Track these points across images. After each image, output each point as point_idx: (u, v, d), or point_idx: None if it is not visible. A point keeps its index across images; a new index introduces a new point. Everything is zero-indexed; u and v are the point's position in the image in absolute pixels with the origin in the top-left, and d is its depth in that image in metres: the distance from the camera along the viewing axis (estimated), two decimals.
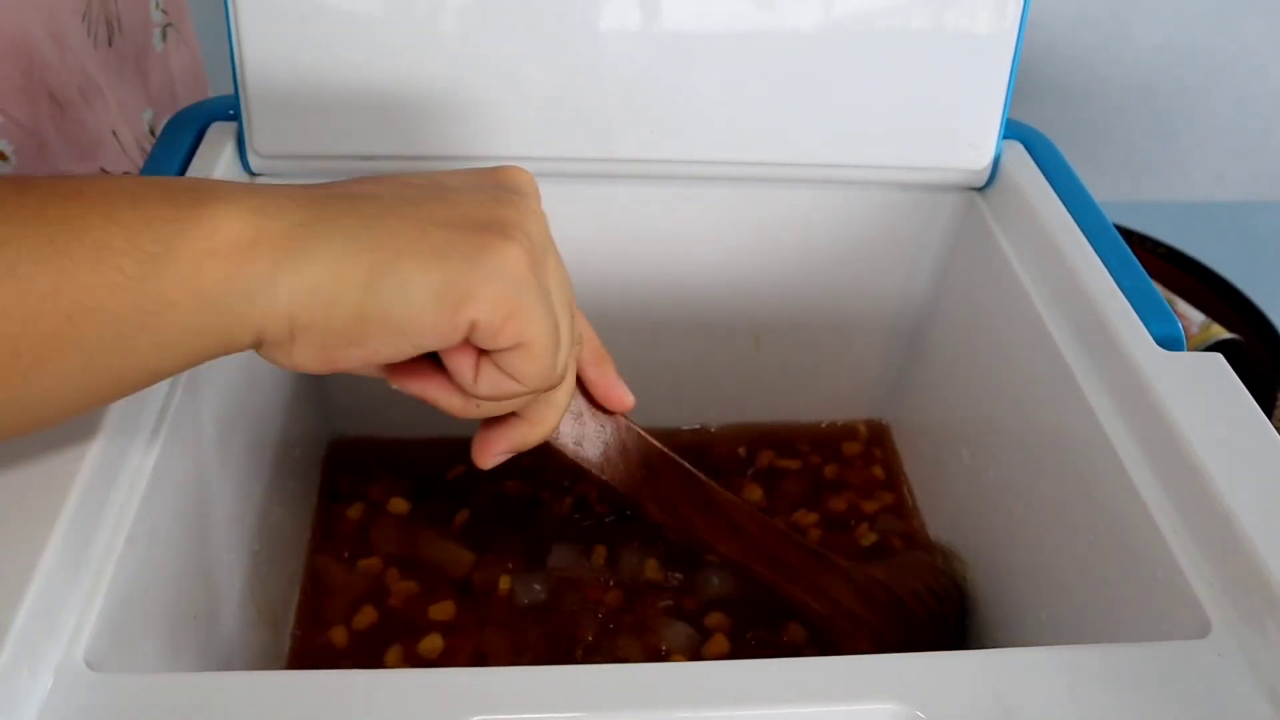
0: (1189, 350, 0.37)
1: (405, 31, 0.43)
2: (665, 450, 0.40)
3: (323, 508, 0.53)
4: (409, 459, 0.55)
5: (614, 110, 0.45)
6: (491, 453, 0.35)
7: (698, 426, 0.58)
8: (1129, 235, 0.73)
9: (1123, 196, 1.02)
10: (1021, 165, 0.47)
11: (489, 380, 0.31)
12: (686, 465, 0.41)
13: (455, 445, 0.56)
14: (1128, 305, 0.39)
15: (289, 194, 0.29)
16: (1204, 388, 0.35)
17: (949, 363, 0.52)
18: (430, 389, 0.32)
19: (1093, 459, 0.37)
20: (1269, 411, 0.61)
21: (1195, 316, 0.65)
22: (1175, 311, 0.45)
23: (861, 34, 0.44)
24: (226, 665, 0.40)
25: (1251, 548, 0.30)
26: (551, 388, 0.32)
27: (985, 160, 0.47)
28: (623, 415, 0.39)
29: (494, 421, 0.35)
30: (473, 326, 0.29)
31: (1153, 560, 0.33)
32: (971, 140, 0.47)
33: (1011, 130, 0.48)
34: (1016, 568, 0.43)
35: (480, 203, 0.30)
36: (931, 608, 0.46)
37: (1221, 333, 0.64)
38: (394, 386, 0.33)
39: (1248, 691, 0.28)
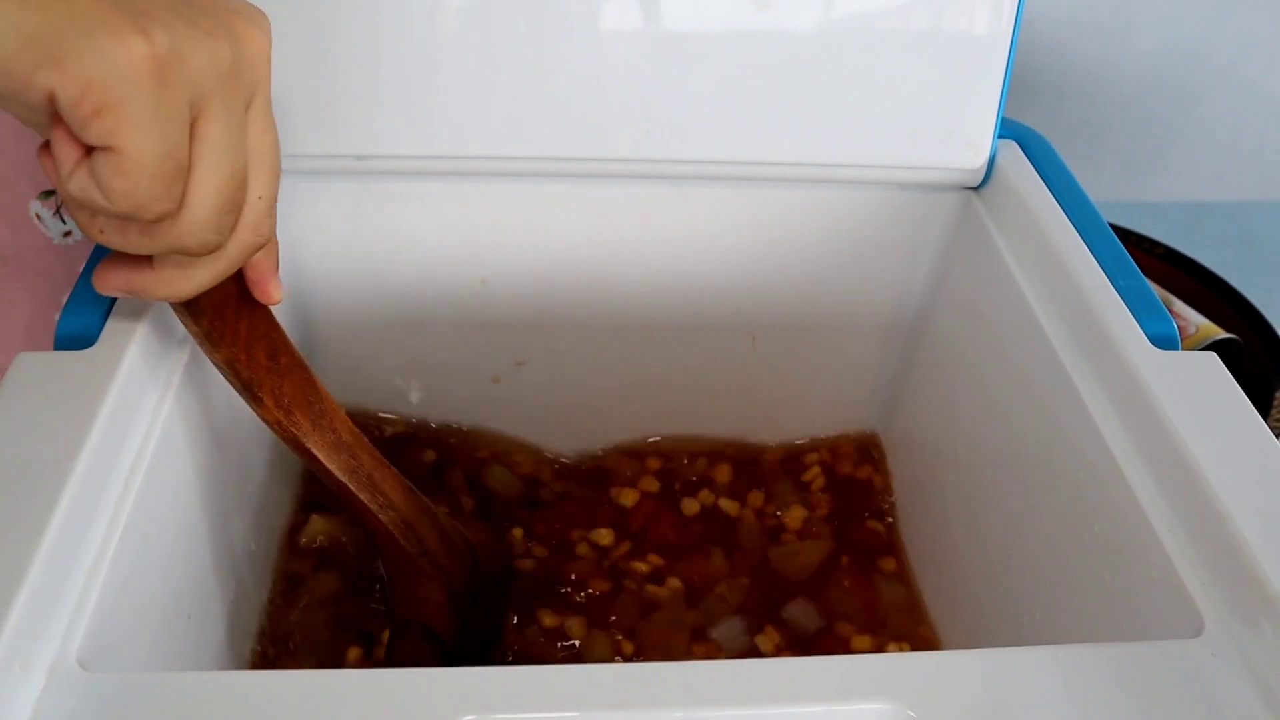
0: (1185, 349, 0.37)
1: (404, 31, 0.43)
2: (294, 349, 0.38)
3: (317, 507, 0.53)
4: (403, 458, 0.55)
5: (612, 110, 0.45)
6: (107, 281, 0.32)
7: (692, 429, 0.58)
8: (1126, 235, 0.73)
9: (1120, 196, 1.02)
10: (1017, 164, 0.47)
11: (78, 179, 0.27)
12: (310, 370, 0.39)
13: (454, 447, 0.56)
14: (1122, 304, 0.39)
15: None
16: (1198, 386, 0.35)
17: (944, 361, 0.52)
18: (45, 165, 0.29)
19: (1087, 457, 0.37)
20: (1266, 411, 0.61)
21: (1192, 316, 0.65)
22: (1172, 311, 0.45)
23: (857, 34, 0.44)
24: (219, 664, 0.40)
25: (1245, 547, 0.30)
26: (151, 222, 0.28)
27: (981, 160, 0.47)
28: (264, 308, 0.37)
29: (125, 256, 0.32)
30: (52, 99, 0.25)
31: (1146, 559, 0.33)
32: (967, 139, 0.47)
33: (1007, 130, 0.48)
34: (1011, 566, 0.43)
35: (165, 2, 0.27)
36: (501, 565, 0.48)
37: (1219, 332, 0.64)
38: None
39: (1242, 690, 0.28)
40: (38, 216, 0.56)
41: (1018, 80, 0.45)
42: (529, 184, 0.49)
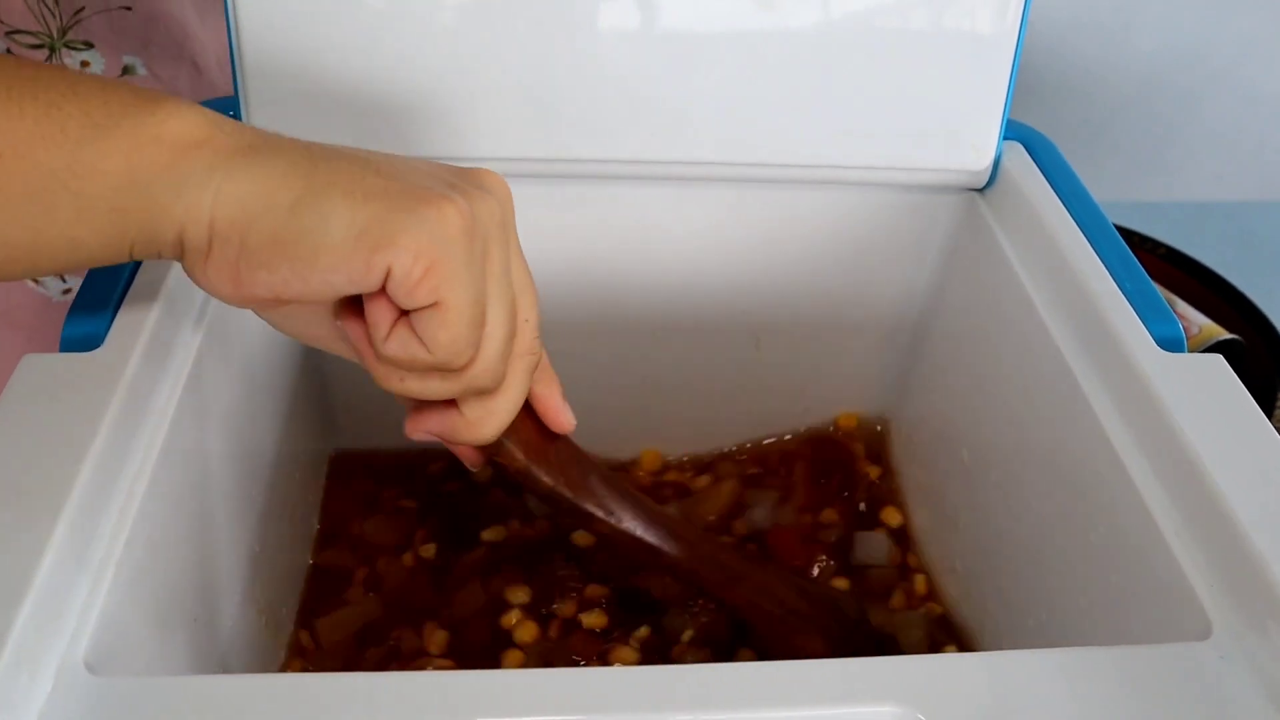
0: (1189, 351, 0.37)
1: (405, 31, 0.43)
2: (603, 467, 0.41)
3: (323, 511, 0.53)
4: (409, 465, 0.55)
5: (614, 111, 0.45)
6: (418, 426, 0.35)
7: (696, 431, 0.58)
8: (1129, 235, 0.73)
9: (1123, 196, 1.02)
10: (1022, 166, 0.47)
11: (399, 338, 0.30)
12: (626, 482, 0.42)
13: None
14: (1128, 306, 0.39)
15: (251, 125, 0.30)
16: (1205, 389, 0.35)
17: (949, 363, 0.52)
18: (353, 333, 0.32)
19: (1093, 460, 0.37)
20: (1270, 412, 0.61)
21: (1195, 317, 0.65)
22: (1175, 312, 0.45)
23: (862, 34, 0.44)
24: (226, 668, 0.40)
25: (1253, 549, 0.30)
26: (460, 368, 0.31)
27: (986, 161, 0.47)
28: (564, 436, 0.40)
29: (432, 403, 0.34)
30: (389, 274, 0.28)
31: (1153, 561, 0.33)
32: (972, 141, 0.47)
33: (1012, 131, 0.48)
34: (1017, 568, 0.43)
35: (432, 177, 0.31)
36: (857, 613, 0.47)
37: (1221, 333, 0.64)
38: (336, 322, 0.33)
39: (1249, 693, 0.28)
40: (34, 280, 0.57)
41: (1019, 81, 0.45)
42: (532, 185, 0.48)
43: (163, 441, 0.35)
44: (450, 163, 0.46)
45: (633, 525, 0.40)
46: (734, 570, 0.42)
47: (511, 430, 0.36)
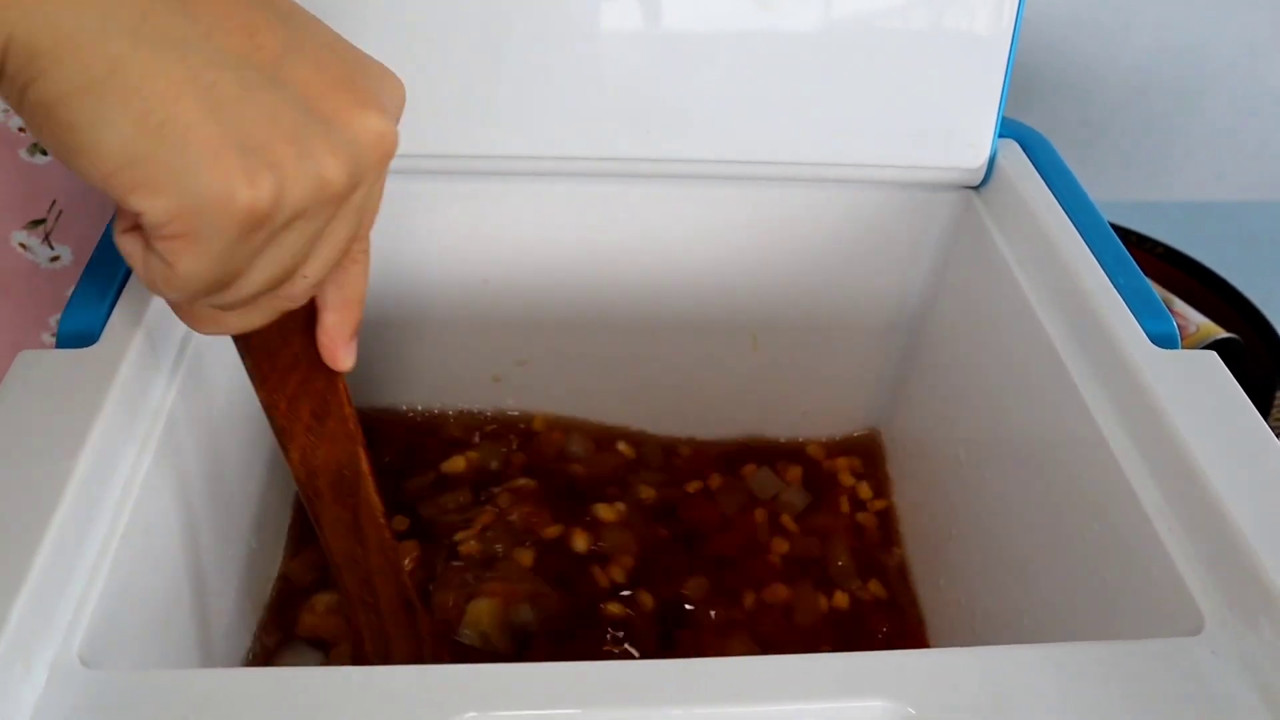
0: (1185, 349, 0.37)
1: (404, 32, 0.43)
2: (351, 420, 0.36)
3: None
4: (403, 456, 0.55)
5: (613, 109, 0.45)
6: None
7: (692, 429, 0.58)
8: (1127, 235, 0.73)
9: (1121, 196, 1.02)
10: (1017, 164, 0.47)
11: (136, 261, 0.27)
12: (361, 446, 0.37)
13: (452, 447, 0.56)
14: (1122, 303, 0.39)
15: None
16: (1198, 385, 0.35)
17: (945, 360, 0.52)
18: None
19: (1087, 456, 0.37)
20: (1267, 411, 0.61)
21: (1193, 316, 0.65)
22: (1173, 311, 0.45)
23: (858, 34, 0.44)
24: (220, 662, 0.40)
25: (1245, 545, 0.30)
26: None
27: (981, 159, 0.47)
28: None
29: None
30: (136, 213, 0.25)
31: (1146, 557, 0.33)
32: (967, 139, 0.47)
33: (1007, 129, 0.48)
34: (1010, 565, 0.43)
35: (293, 117, 0.26)
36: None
37: (1219, 332, 0.64)
38: None
39: (1241, 688, 0.28)
40: (22, 245, 0.57)
41: (1017, 80, 0.46)
42: (530, 183, 0.49)
43: (158, 437, 0.35)
44: (451, 161, 0.47)
45: (319, 487, 0.36)
46: (375, 599, 0.39)
47: (263, 335, 0.33)
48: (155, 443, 0.35)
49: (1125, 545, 0.35)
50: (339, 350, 0.33)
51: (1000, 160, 0.47)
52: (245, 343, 0.33)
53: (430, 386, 0.56)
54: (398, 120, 0.29)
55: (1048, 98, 0.99)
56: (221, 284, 0.27)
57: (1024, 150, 0.48)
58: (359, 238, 0.31)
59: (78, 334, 0.35)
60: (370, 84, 0.28)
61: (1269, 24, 0.99)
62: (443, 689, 0.27)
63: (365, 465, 0.37)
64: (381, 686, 0.27)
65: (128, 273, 0.38)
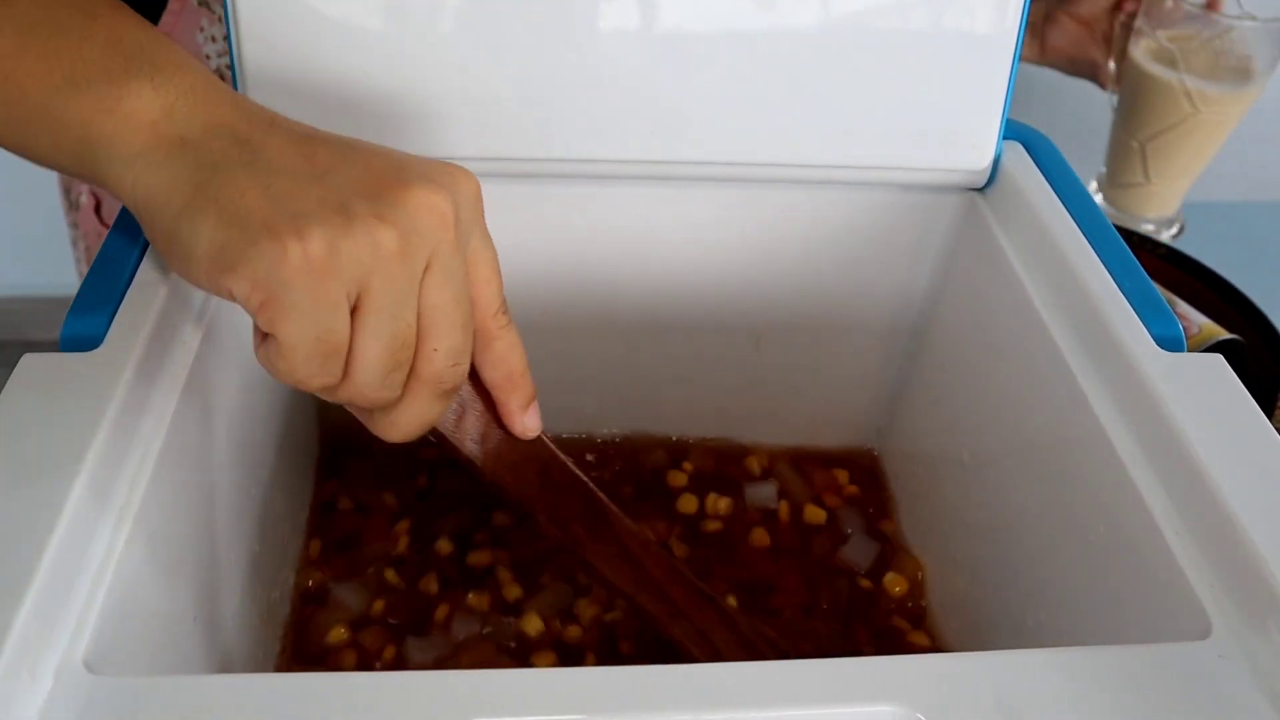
0: (1189, 351, 0.37)
1: (405, 33, 0.43)
2: (569, 465, 0.40)
3: (321, 510, 0.53)
4: (405, 462, 0.55)
5: (614, 111, 0.45)
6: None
7: (696, 430, 0.58)
8: (1129, 235, 0.73)
9: None
10: (1022, 165, 0.47)
11: (260, 355, 0.32)
12: (588, 483, 0.40)
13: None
14: (1128, 306, 0.39)
15: (211, 110, 0.32)
16: (1205, 389, 0.35)
17: (949, 362, 0.52)
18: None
19: (1093, 460, 0.37)
20: (1270, 412, 0.61)
21: (1195, 317, 0.65)
22: (1175, 312, 0.45)
23: (861, 34, 0.44)
24: (226, 667, 0.40)
25: (1253, 549, 0.30)
26: (327, 388, 0.32)
27: (985, 161, 0.47)
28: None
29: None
30: (233, 296, 0.30)
31: (1153, 561, 0.33)
32: (972, 140, 0.47)
33: (1011, 131, 0.48)
34: (1017, 569, 0.43)
35: (351, 190, 0.31)
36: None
37: (1222, 333, 0.64)
38: None
39: (1249, 693, 0.28)
40: None
41: (1019, 80, 0.45)
42: (532, 186, 0.49)
43: (162, 441, 0.35)
44: (454, 162, 0.46)
45: (575, 532, 0.39)
46: (676, 606, 0.41)
47: (458, 425, 0.36)
48: (159, 447, 0.35)
49: (1132, 549, 0.35)
50: (517, 423, 0.38)
51: (1004, 162, 0.47)
52: (458, 440, 0.37)
53: None
54: (470, 205, 0.33)
55: (1048, 99, 0.99)
56: (329, 351, 0.31)
57: (1028, 152, 0.48)
58: (490, 315, 0.35)
59: (81, 338, 0.35)
60: (421, 170, 0.32)
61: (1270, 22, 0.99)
62: (452, 695, 0.27)
63: (601, 496, 0.40)
64: (390, 692, 0.27)
65: (131, 276, 0.38)
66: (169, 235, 0.31)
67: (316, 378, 0.31)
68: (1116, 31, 0.78)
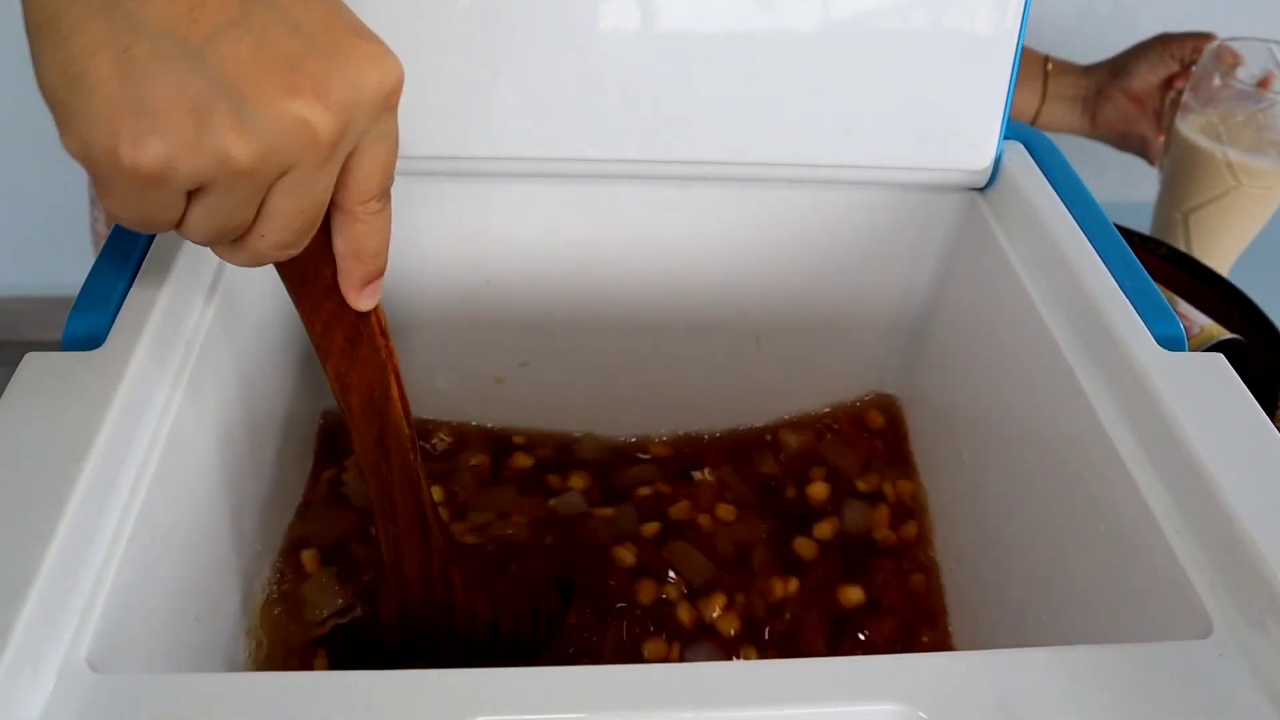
0: (1190, 350, 0.37)
1: (405, 33, 0.43)
2: (384, 346, 0.39)
3: (323, 508, 0.53)
4: None
5: (615, 111, 0.45)
6: None
7: (695, 427, 0.58)
8: (1130, 235, 0.73)
9: (1123, 196, 1.02)
10: (1022, 165, 0.47)
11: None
12: (392, 367, 0.39)
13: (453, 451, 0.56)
14: (1129, 305, 0.39)
15: None
16: (1206, 388, 0.35)
17: (949, 363, 0.52)
18: None
19: (1094, 459, 0.37)
20: (1271, 412, 0.61)
21: (1196, 317, 0.65)
22: (1177, 311, 0.45)
23: (862, 34, 0.44)
24: (228, 666, 0.40)
25: (1253, 547, 0.30)
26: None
27: (986, 160, 0.47)
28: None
29: None
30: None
31: (1154, 560, 0.33)
32: (972, 140, 0.47)
33: (1012, 130, 0.48)
34: (1017, 568, 0.43)
35: (200, 89, 0.27)
36: (477, 635, 0.45)
37: (1223, 333, 0.64)
38: None
39: (1249, 692, 0.28)
40: None
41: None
42: (533, 185, 0.49)
43: (164, 440, 0.35)
44: (454, 163, 0.46)
45: (350, 402, 0.39)
46: (393, 508, 0.41)
47: (293, 262, 0.35)
48: (161, 445, 0.35)
49: (1133, 548, 0.35)
50: (351, 294, 0.36)
51: (1005, 162, 0.47)
52: (280, 269, 0.36)
53: (430, 388, 0.56)
54: (370, 108, 0.30)
55: None
56: (148, 225, 0.29)
57: (1029, 152, 0.48)
58: (359, 201, 0.32)
59: (84, 336, 0.35)
60: (322, 67, 0.28)
61: (1270, 24, 0.99)
62: (452, 693, 0.27)
63: (395, 391, 0.39)
64: (390, 691, 0.27)
65: (133, 276, 0.38)
66: (26, 32, 0.28)
67: (144, 228, 0.30)
68: (1166, 108, 0.80)
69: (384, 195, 0.33)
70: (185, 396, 0.37)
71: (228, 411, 0.41)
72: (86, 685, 0.28)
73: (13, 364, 0.34)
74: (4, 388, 0.33)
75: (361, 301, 0.36)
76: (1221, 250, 0.77)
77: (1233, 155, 0.72)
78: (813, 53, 0.45)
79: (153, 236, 0.40)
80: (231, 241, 0.32)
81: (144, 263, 0.39)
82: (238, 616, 0.41)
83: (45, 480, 0.30)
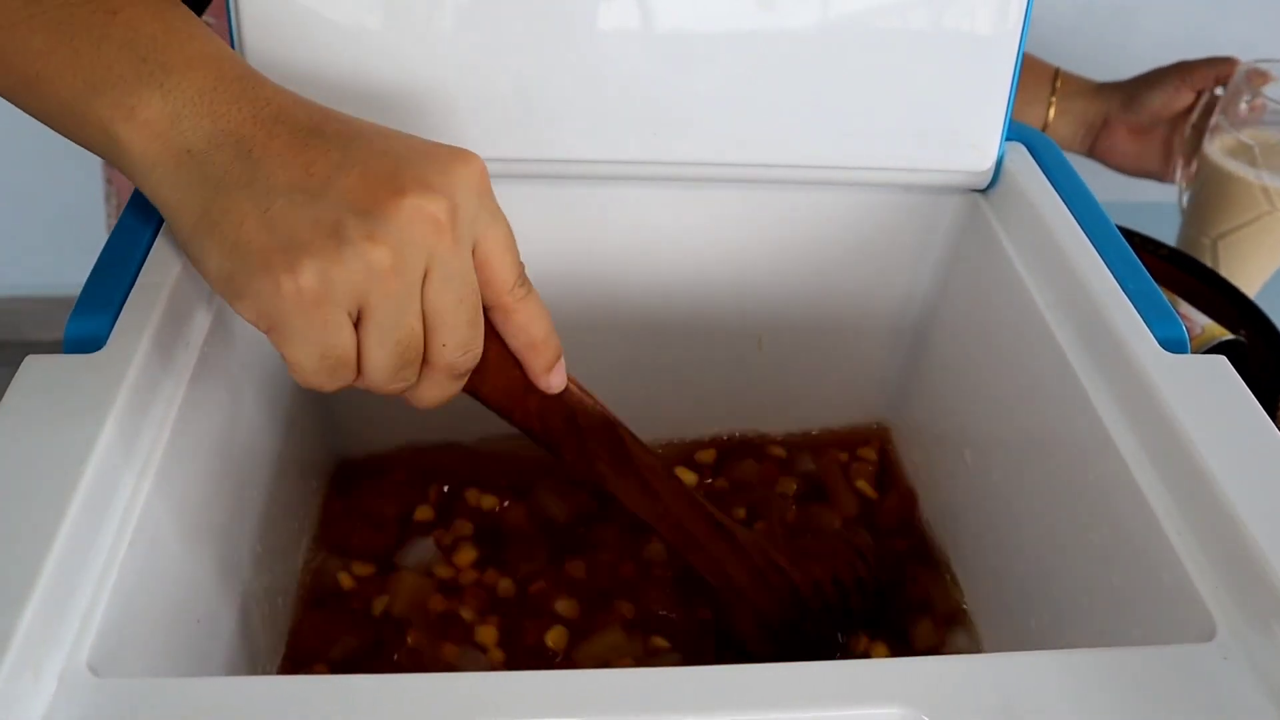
0: (1192, 351, 0.37)
1: (406, 34, 0.43)
2: (593, 407, 0.42)
3: (324, 512, 0.53)
4: (411, 469, 0.55)
5: (616, 112, 0.45)
6: None
7: (699, 431, 0.58)
8: (1131, 236, 0.73)
9: (1125, 197, 1.02)
10: (1024, 166, 0.47)
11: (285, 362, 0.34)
12: (614, 421, 0.43)
13: (455, 458, 0.56)
14: (1131, 307, 0.39)
15: (217, 114, 0.33)
16: (1208, 390, 0.35)
17: (952, 364, 0.52)
18: None
19: (1096, 461, 0.37)
20: (1271, 412, 0.61)
21: (1198, 317, 0.65)
22: (1178, 312, 0.45)
23: (863, 35, 0.44)
24: (229, 670, 0.40)
25: (1257, 550, 0.30)
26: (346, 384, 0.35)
27: (988, 162, 0.47)
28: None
29: None
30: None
31: (1157, 563, 0.33)
32: (974, 141, 0.47)
33: (1014, 131, 0.48)
34: (1020, 571, 0.43)
35: (332, 217, 0.32)
36: (830, 600, 0.47)
37: (1224, 334, 0.64)
38: None
39: (1253, 694, 0.28)
40: None
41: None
42: (533, 187, 0.49)
43: (165, 443, 0.35)
44: None
45: (600, 470, 0.42)
46: (692, 537, 0.44)
47: (484, 383, 0.39)
48: (162, 448, 0.35)
49: (1136, 551, 0.35)
50: (542, 383, 0.40)
51: (1007, 163, 0.47)
52: (483, 397, 0.40)
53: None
54: (471, 193, 0.34)
55: None
56: (329, 358, 0.33)
57: (1031, 153, 0.48)
58: (505, 291, 0.36)
59: (84, 339, 0.35)
60: (418, 170, 0.33)
61: (1270, 24, 0.99)
62: (452, 696, 0.27)
63: (624, 435, 0.43)
64: (391, 694, 0.27)
65: (134, 278, 0.38)
66: (185, 249, 0.34)
67: (329, 384, 0.34)
68: (1187, 134, 0.78)
69: (524, 280, 0.37)
70: (186, 399, 0.37)
71: (229, 413, 0.41)
72: (88, 689, 0.28)
73: (13, 364, 0.34)
74: (4, 388, 0.33)
75: (554, 385, 0.40)
76: (1251, 274, 0.76)
77: (1269, 180, 0.71)
78: (813, 53, 0.44)
79: (153, 237, 0.40)
80: (421, 368, 0.35)
81: (145, 265, 0.38)
82: (239, 620, 0.41)
83: (46, 484, 0.30)
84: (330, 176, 0.32)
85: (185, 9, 0.36)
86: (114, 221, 0.72)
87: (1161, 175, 0.82)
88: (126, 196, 0.71)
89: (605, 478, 0.42)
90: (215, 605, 0.39)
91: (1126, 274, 0.40)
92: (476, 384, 0.38)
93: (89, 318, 0.36)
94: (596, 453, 0.42)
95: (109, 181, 0.75)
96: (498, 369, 0.38)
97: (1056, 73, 0.83)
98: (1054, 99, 0.82)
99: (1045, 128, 0.83)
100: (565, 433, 0.41)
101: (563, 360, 0.40)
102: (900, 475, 0.56)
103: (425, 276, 0.33)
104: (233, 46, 0.43)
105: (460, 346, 0.35)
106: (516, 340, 0.38)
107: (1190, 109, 0.78)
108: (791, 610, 0.46)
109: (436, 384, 0.36)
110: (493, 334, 0.37)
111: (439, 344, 0.35)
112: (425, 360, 0.35)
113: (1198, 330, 0.64)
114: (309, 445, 0.53)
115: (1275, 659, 0.29)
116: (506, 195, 0.49)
